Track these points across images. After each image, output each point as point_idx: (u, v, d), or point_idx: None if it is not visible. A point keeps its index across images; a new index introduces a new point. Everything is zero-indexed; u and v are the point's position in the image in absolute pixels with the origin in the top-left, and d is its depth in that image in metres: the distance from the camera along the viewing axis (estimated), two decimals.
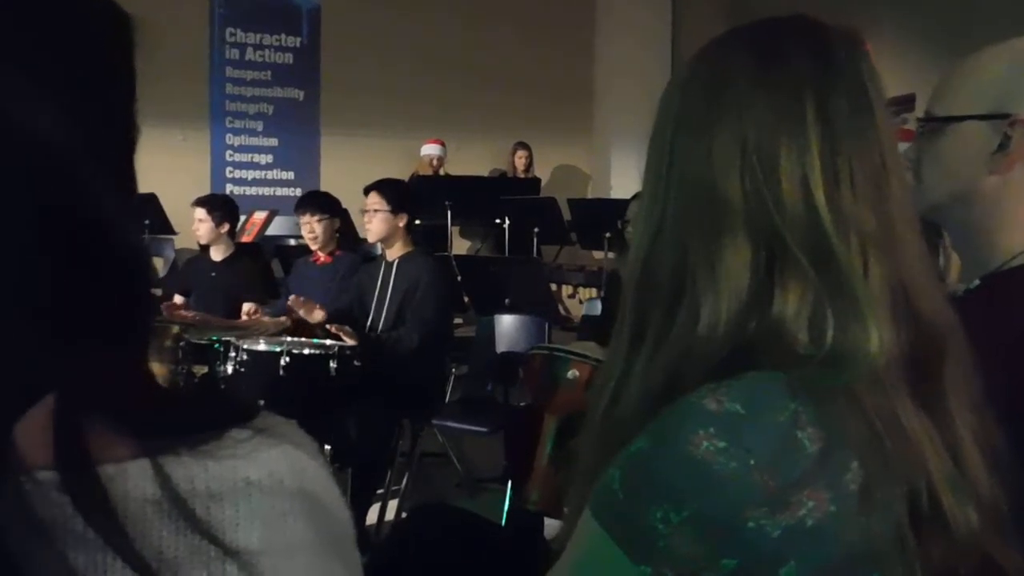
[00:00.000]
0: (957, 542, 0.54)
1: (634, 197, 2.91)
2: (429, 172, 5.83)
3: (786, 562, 0.51)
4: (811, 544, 0.51)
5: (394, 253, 3.13)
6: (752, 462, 0.51)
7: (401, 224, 3.07)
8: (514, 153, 6.18)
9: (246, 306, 3.37)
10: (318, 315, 3.00)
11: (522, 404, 2.93)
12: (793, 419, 0.52)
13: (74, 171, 0.35)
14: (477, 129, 6.26)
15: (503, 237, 4.99)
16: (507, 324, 3.47)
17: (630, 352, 0.61)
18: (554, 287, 4.58)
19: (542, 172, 6.34)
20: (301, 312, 3.01)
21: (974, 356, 0.58)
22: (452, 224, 5.11)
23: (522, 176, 6.10)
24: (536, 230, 4.78)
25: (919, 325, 0.56)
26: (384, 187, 3.11)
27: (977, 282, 0.89)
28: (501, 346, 3.45)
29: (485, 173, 6.26)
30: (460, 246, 5.65)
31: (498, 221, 5.01)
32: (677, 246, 0.60)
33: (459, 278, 3.67)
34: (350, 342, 2.86)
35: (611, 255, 4.31)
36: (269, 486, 0.39)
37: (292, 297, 3.06)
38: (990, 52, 0.93)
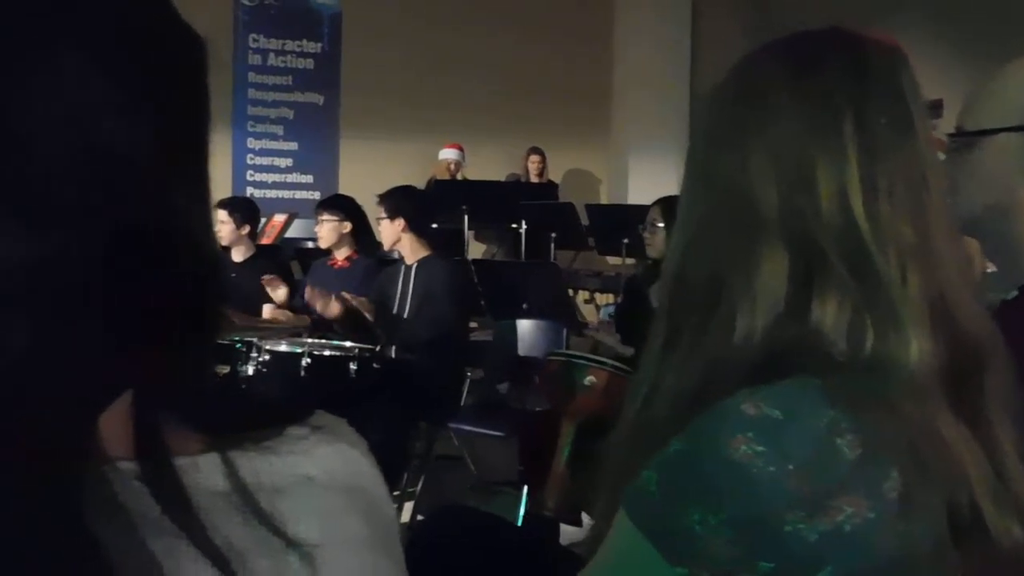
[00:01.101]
0: (999, 553, 0.54)
1: (656, 203, 2.91)
2: (447, 176, 5.85)
3: (823, 567, 0.51)
4: (848, 550, 0.51)
5: (411, 257, 3.16)
6: (790, 467, 0.51)
7: (400, 229, 3.10)
8: (528, 158, 6.20)
9: (266, 309, 3.41)
10: (334, 308, 3.02)
11: (537, 409, 2.93)
12: (831, 426, 0.53)
13: (154, 182, 0.37)
14: (495, 133, 6.28)
15: (519, 242, 5.00)
16: (525, 329, 3.48)
17: (664, 357, 0.62)
18: (571, 292, 4.59)
19: (556, 177, 6.35)
20: (317, 306, 3.04)
21: (1014, 366, 0.59)
22: (468, 228, 5.13)
23: (536, 181, 6.11)
24: (553, 235, 4.79)
25: (958, 336, 0.57)
26: (384, 195, 3.16)
27: (1015, 292, 0.89)
28: (518, 350, 3.46)
29: (502, 177, 6.27)
30: (476, 250, 5.67)
31: (514, 226, 5.02)
32: (712, 255, 0.61)
33: (476, 282, 3.69)
34: (369, 317, 2.91)
35: (629, 261, 4.31)
36: (327, 482, 0.40)
37: (307, 290, 3.09)
38: (1020, 64, 0.93)
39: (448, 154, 5.97)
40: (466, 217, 4.99)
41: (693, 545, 0.53)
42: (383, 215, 3.12)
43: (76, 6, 0.36)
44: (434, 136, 6.00)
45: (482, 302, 3.74)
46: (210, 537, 0.36)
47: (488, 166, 6.15)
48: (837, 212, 0.57)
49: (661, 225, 2.79)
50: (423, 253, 3.15)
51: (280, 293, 3.22)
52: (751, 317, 0.57)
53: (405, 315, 3.14)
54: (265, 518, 0.37)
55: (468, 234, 5.15)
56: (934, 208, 0.59)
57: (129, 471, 0.35)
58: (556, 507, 2.28)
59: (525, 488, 2.57)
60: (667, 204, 2.79)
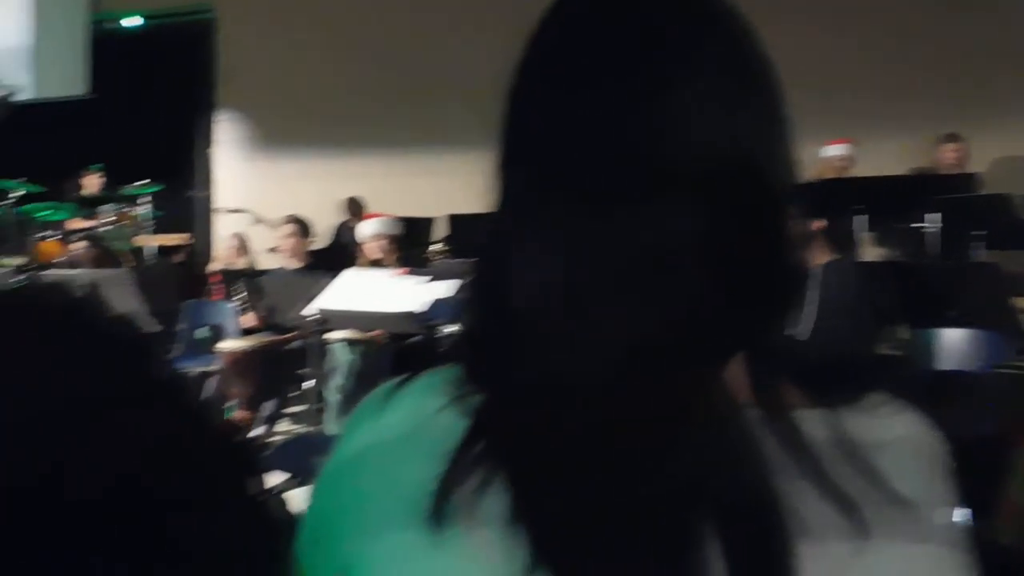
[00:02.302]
0: None
1: None
2: (833, 175, 5.47)
3: None
4: None
5: (818, 260, 3.03)
6: None
7: (815, 228, 2.97)
8: (941, 147, 5.47)
9: None
10: None
11: (979, 429, 2.60)
12: None
13: (763, 168, 0.43)
14: (891, 125, 5.70)
15: (924, 241, 4.46)
16: (949, 339, 3.10)
17: None
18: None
19: (978, 167, 5.50)
20: None
21: None
22: (865, 228, 4.73)
23: (951, 172, 5.37)
24: (979, 232, 4.17)
25: None
26: None
27: None
28: (942, 363, 3.10)
29: (903, 172, 5.66)
30: (871, 252, 5.20)
31: (919, 224, 4.50)
32: None
33: (888, 286, 3.39)
34: None
35: None
36: (915, 446, 0.43)
37: None
38: None
39: (835, 150, 5.58)
40: (861, 216, 4.62)
41: None
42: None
43: (719, 40, 0.45)
44: (822, 134, 5.66)
45: (894, 309, 3.43)
46: (834, 481, 0.40)
47: (887, 161, 5.60)
48: None
49: None
50: (829, 256, 3.01)
51: None
52: None
53: (811, 320, 3.02)
54: (868, 471, 0.41)
55: (862, 234, 4.75)
56: None
57: (756, 417, 0.41)
58: (1013, 539, 2.02)
59: (969, 515, 2.31)
60: None
